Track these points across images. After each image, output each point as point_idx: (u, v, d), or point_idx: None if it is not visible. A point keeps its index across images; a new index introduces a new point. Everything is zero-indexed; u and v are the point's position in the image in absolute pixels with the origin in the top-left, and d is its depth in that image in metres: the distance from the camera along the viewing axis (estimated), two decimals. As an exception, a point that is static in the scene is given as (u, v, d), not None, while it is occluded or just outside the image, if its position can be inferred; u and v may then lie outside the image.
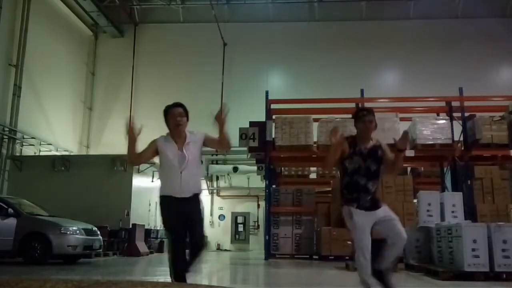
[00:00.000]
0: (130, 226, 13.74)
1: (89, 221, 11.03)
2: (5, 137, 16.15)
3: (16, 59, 16.62)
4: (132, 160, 4.30)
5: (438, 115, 13.58)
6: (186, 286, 2.85)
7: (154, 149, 4.23)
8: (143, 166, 14.21)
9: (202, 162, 4.14)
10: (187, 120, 4.28)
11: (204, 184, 21.18)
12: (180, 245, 4.14)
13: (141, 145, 4.31)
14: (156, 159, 4.37)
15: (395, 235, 4.20)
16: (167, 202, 4.16)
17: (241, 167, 20.25)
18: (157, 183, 4.40)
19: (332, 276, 8.38)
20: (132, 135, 4.11)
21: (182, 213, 4.11)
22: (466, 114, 12.94)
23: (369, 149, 4.30)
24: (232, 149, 21.98)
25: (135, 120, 4.19)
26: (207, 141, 4.32)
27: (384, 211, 4.30)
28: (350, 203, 4.27)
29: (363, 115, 4.31)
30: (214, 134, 4.33)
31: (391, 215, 4.29)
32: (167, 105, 4.31)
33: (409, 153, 12.84)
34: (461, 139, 12.82)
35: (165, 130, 4.40)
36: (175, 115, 4.19)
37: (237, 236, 20.72)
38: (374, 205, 4.27)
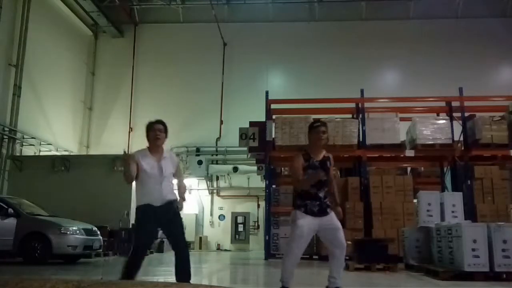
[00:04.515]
0: (130, 226, 13.72)
1: (89, 221, 11.02)
2: (5, 137, 16.15)
3: (16, 59, 16.62)
4: (130, 182, 4.59)
5: (438, 115, 13.58)
6: (186, 286, 2.86)
7: (136, 162, 4.51)
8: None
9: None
10: (166, 137, 4.63)
11: (204, 184, 21.21)
12: (141, 251, 4.53)
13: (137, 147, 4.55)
14: None
15: (338, 243, 4.45)
16: (145, 210, 4.46)
17: (241, 167, 20.24)
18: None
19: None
20: (127, 162, 4.43)
21: (158, 220, 4.45)
22: (466, 114, 12.93)
23: (320, 160, 4.58)
24: (232, 149, 22.08)
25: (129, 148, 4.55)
26: (176, 170, 4.68)
27: (330, 218, 4.51)
28: (299, 208, 4.52)
29: (317, 126, 4.61)
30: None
31: (336, 223, 4.51)
32: (150, 121, 4.66)
33: (409, 153, 12.86)
34: (461, 139, 12.82)
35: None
36: (155, 130, 4.55)
37: (237, 236, 20.70)
38: (321, 211, 4.48)
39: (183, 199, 4.64)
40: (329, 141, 12.58)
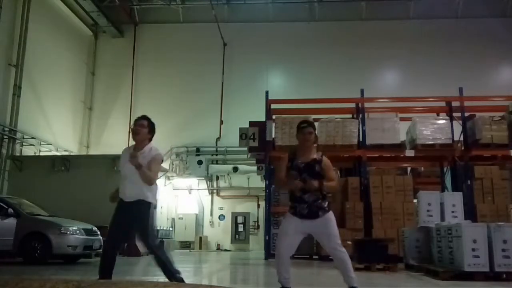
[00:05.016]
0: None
1: (89, 221, 11.01)
2: (5, 137, 16.15)
3: (16, 59, 16.62)
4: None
5: (438, 115, 13.58)
6: (186, 286, 2.86)
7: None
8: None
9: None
10: (150, 133, 4.58)
11: (204, 184, 21.21)
12: (110, 244, 4.55)
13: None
14: None
15: (329, 249, 4.38)
16: (117, 205, 4.56)
17: (241, 167, 20.24)
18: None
19: (332, 276, 8.36)
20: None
21: (128, 217, 4.46)
22: (466, 114, 12.94)
23: (306, 163, 4.42)
24: (232, 149, 22.10)
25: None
26: (149, 162, 4.50)
27: (321, 222, 4.37)
28: (289, 209, 4.48)
29: (303, 127, 4.48)
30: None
31: (328, 229, 4.37)
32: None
33: (409, 153, 12.86)
34: (461, 139, 12.83)
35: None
36: (135, 125, 4.58)
37: (237, 236, 20.69)
38: (310, 214, 4.36)
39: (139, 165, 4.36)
40: (329, 141, 12.66)
